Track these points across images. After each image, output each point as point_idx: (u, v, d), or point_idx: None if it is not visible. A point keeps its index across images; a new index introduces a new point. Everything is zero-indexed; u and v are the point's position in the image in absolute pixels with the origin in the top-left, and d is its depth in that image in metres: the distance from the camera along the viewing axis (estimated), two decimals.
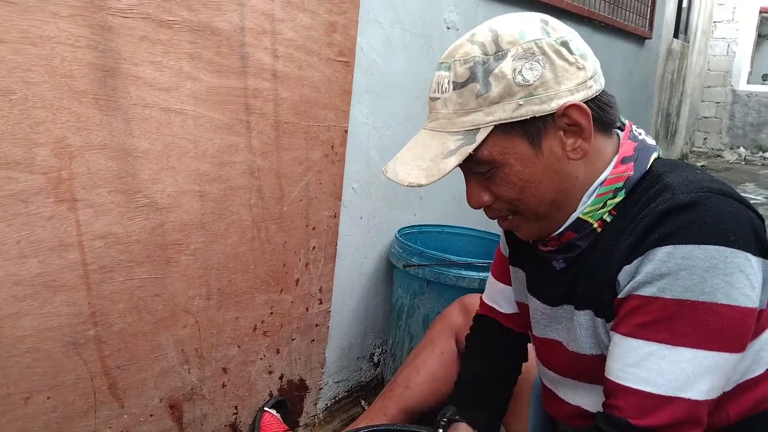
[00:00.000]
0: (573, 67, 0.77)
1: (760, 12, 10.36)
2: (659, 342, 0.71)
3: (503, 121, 0.76)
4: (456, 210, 2.16)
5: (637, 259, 0.74)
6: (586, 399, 0.90)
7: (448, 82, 0.79)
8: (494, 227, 2.08)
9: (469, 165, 0.80)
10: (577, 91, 0.77)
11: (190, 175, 1.20)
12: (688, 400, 0.70)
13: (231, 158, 1.27)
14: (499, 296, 1.12)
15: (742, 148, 9.09)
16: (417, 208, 1.97)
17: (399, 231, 1.83)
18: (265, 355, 1.46)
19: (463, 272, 1.63)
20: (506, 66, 0.75)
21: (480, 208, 0.86)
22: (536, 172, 0.79)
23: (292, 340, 1.53)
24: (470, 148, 0.76)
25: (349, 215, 1.69)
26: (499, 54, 0.76)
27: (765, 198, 5.94)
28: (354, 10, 1.45)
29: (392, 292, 1.84)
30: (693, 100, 8.39)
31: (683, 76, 6.73)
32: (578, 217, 0.82)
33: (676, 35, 5.90)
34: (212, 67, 1.19)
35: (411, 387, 1.33)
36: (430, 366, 1.34)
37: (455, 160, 0.76)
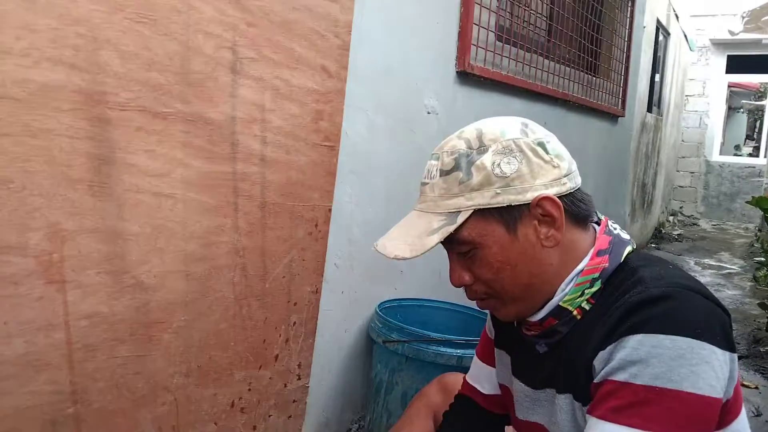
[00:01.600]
0: (548, 165, 0.86)
1: (729, 87, 10.84)
2: (630, 426, 0.75)
3: (482, 206, 0.85)
4: (436, 283, 2.21)
5: (611, 345, 0.79)
6: None
7: (437, 169, 0.89)
8: (473, 302, 2.13)
9: (452, 245, 0.89)
10: (551, 186, 0.86)
11: (177, 255, 1.24)
12: None
13: (217, 238, 1.32)
14: (482, 377, 1.16)
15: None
16: (398, 282, 2.02)
17: (379, 305, 1.87)
18: None
19: (442, 349, 1.66)
20: (487, 159, 0.85)
21: (461, 286, 0.93)
22: (512, 256, 0.86)
23: (269, 416, 1.54)
24: (451, 228, 0.85)
25: (331, 290, 1.73)
26: (482, 149, 0.86)
27: (740, 267, 6.06)
28: (340, 99, 1.54)
29: (371, 367, 1.86)
30: (668, 170, 8.64)
31: (658, 148, 6.97)
32: (558, 305, 0.89)
33: (649, 109, 6.14)
34: (204, 154, 1.25)
35: None
36: None
37: (437, 237, 0.85)
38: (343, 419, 1.88)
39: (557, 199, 0.85)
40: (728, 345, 0.78)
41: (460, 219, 0.85)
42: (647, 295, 0.79)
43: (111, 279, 1.15)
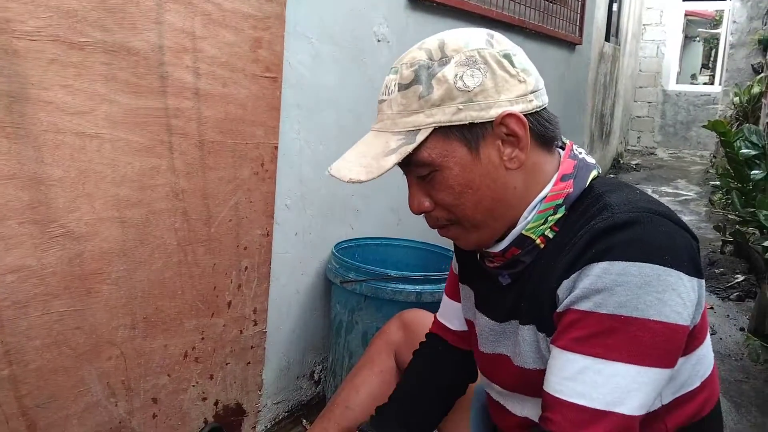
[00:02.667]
0: (514, 80, 0.79)
1: (686, 15, 10.85)
2: (594, 356, 0.72)
3: (443, 124, 0.78)
4: (394, 222, 2.16)
5: (575, 274, 0.75)
6: (534, 410, 0.91)
7: (395, 84, 0.81)
8: (431, 239, 2.10)
9: (410, 168, 0.83)
10: (516, 103, 0.79)
11: (109, 201, 1.15)
12: (622, 415, 0.71)
13: (152, 181, 1.22)
14: (451, 314, 1.13)
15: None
16: (354, 222, 1.96)
17: (336, 246, 1.82)
18: (197, 382, 1.42)
19: (400, 286, 1.63)
20: (449, 71, 0.78)
21: (420, 213, 0.87)
22: (474, 178, 0.80)
23: (226, 364, 1.49)
24: (410, 148, 0.78)
25: (284, 233, 1.66)
26: (443, 60, 0.79)
27: (695, 194, 6.21)
28: (280, 26, 1.43)
29: (331, 308, 1.82)
30: (626, 100, 8.69)
31: (616, 78, 6.96)
32: (521, 233, 0.84)
33: (607, 39, 6.09)
34: (129, 89, 1.14)
35: (351, 407, 1.31)
36: (369, 385, 1.33)
37: (395, 158, 0.79)
38: (305, 361, 1.85)
39: (522, 117, 0.79)
40: (696, 271, 0.75)
41: (420, 138, 0.78)
42: (613, 221, 0.75)
43: (36, 229, 1.06)
